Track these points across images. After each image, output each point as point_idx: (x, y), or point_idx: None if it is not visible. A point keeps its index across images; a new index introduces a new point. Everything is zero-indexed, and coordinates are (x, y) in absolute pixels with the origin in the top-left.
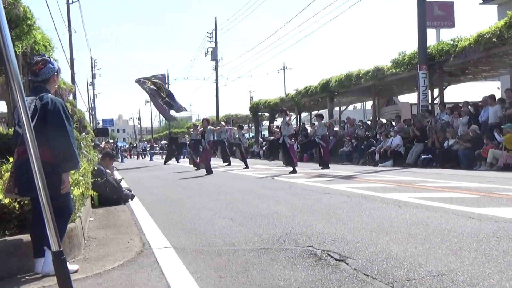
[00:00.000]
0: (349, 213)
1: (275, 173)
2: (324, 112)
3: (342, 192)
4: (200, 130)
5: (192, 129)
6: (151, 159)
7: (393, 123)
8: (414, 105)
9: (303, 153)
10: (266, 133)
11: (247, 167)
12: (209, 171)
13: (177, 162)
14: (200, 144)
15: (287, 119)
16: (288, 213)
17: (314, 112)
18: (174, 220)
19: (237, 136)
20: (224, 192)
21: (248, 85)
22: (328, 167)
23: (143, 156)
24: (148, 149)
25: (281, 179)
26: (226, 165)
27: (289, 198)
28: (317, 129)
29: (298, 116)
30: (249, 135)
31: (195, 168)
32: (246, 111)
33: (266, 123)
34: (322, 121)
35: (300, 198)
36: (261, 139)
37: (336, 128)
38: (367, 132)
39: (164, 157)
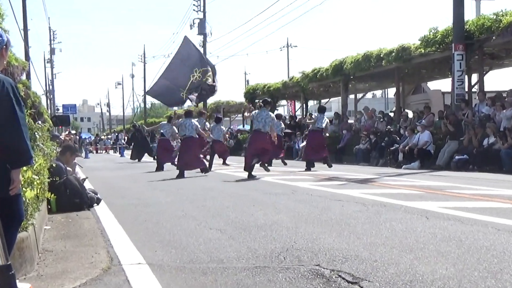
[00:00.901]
0: (365, 225)
1: (275, 174)
2: (337, 100)
3: (357, 199)
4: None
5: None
6: (122, 155)
7: (421, 116)
8: (448, 94)
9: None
10: None
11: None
12: (205, 170)
13: (154, 158)
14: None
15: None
16: (290, 224)
17: (324, 101)
18: (150, 230)
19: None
20: (212, 197)
21: (243, 65)
22: (328, 164)
23: (119, 150)
24: (119, 142)
25: (282, 182)
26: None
27: (291, 205)
28: (313, 122)
29: (304, 104)
30: (243, 126)
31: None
32: (240, 98)
33: None
34: (322, 114)
35: (305, 205)
36: None
37: (350, 121)
38: (388, 126)
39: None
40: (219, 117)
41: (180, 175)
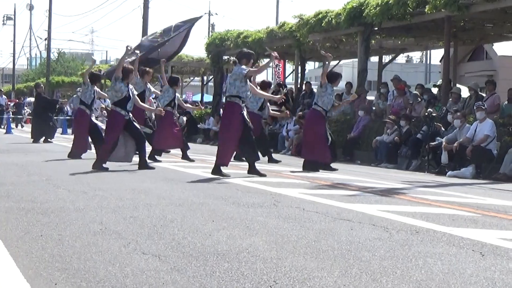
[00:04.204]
0: (385, 261)
1: (248, 175)
2: (351, 64)
3: (375, 220)
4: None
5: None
6: (8, 131)
7: (482, 94)
8: None
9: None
10: None
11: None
12: (99, 163)
13: (49, 140)
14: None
15: (245, 71)
16: (269, 253)
17: (331, 63)
18: (48, 251)
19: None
20: (147, 205)
21: (206, 1)
22: (316, 170)
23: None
24: (4, 110)
25: (260, 187)
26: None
27: (272, 223)
28: (317, 96)
29: (300, 66)
30: (201, 98)
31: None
32: (198, 51)
33: None
34: (329, 86)
35: (293, 225)
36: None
37: (370, 97)
38: (429, 109)
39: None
40: (174, 77)
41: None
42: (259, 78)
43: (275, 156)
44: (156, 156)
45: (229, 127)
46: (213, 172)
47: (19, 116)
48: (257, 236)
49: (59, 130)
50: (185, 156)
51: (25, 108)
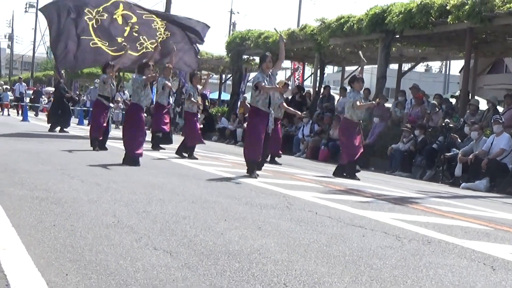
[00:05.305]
0: (396, 270)
1: (263, 175)
2: (370, 70)
3: (387, 228)
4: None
5: (107, 76)
6: (25, 119)
7: (499, 108)
8: None
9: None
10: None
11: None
12: (133, 160)
13: (65, 129)
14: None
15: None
16: (280, 255)
17: (350, 68)
18: (60, 241)
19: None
20: (160, 200)
21: (228, 0)
22: (354, 176)
23: (18, 111)
24: (25, 97)
25: (273, 189)
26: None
27: (284, 226)
28: (346, 102)
29: (319, 70)
30: (219, 96)
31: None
32: (219, 49)
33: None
34: (356, 92)
35: (305, 228)
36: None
37: (388, 105)
38: (447, 120)
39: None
40: (194, 73)
41: (131, 161)
42: (279, 79)
43: (289, 158)
44: (183, 152)
45: (255, 127)
46: (249, 173)
47: (36, 105)
48: (269, 238)
49: (75, 120)
50: (191, 154)
51: (43, 96)
